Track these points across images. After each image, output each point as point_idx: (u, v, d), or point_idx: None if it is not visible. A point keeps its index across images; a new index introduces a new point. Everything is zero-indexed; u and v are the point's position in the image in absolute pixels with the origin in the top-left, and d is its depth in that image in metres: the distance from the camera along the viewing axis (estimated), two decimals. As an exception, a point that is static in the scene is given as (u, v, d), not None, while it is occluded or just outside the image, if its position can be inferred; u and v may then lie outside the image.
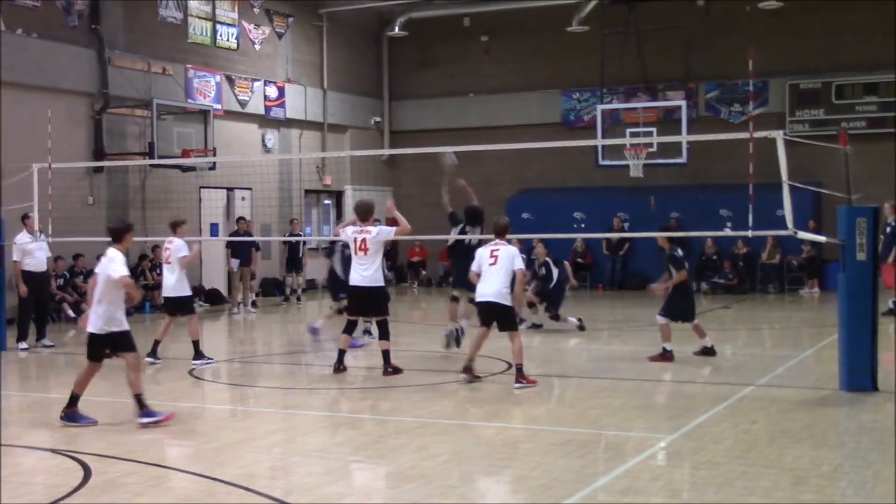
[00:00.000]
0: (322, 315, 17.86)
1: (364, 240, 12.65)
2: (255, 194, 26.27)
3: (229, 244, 23.30)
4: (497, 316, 12.02)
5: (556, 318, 17.31)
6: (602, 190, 28.13)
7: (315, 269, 27.31)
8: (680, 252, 14.14)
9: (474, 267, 12.21)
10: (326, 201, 30.52)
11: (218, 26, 25.87)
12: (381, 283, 12.94)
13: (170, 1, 24.26)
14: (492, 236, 12.60)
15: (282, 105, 27.67)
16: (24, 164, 16.83)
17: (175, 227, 14.53)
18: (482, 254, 12.21)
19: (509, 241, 12.65)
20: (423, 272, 30.55)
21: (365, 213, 12.91)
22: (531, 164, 29.15)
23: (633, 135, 25.16)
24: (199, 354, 14.22)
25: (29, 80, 20.51)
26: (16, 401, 11.91)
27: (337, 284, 15.72)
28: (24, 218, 16.31)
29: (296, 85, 28.35)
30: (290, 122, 28.16)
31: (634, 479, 7.73)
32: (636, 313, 20.96)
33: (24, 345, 16.01)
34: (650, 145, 23.95)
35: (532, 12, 29.11)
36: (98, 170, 21.97)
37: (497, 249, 12.05)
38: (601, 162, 26.32)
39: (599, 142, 25.30)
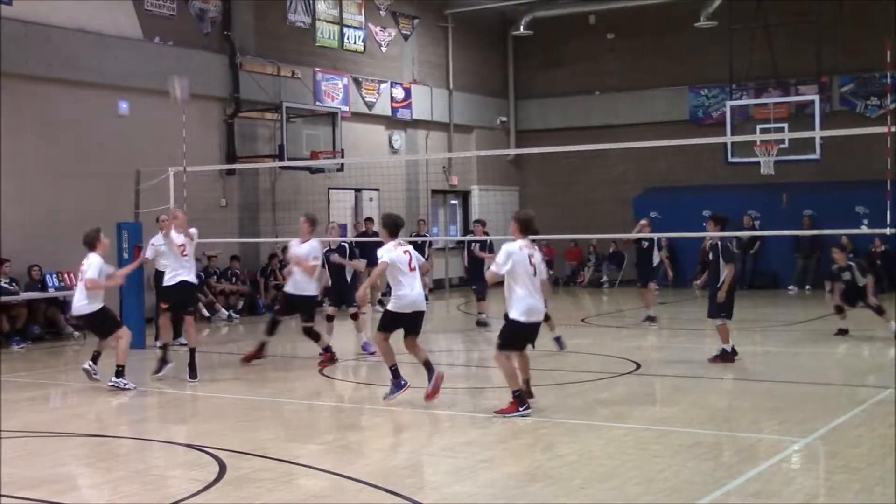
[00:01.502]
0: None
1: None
2: (382, 195, 26.54)
3: (357, 244, 23.52)
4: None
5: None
6: (731, 188, 27.59)
7: (441, 269, 27.47)
8: (733, 246, 13.87)
9: (501, 271, 10.17)
10: (453, 201, 30.67)
11: (345, 29, 26.24)
12: None
13: (298, 5, 24.72)
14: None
15: (408, 106, 27.91)
16: (161, 168, 17.35)
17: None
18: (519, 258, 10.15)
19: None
20: (550, 272, 30.39)
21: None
22: (657, 162, 28.79)
23: (764, 131, 24.58)
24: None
25: (165, 86, 21.06)
26: (153, 398, 12.26)
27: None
28: (159, 220, 16.81)
29: (422, 86, 28.56)
30: (416, 123, 28.38)
31: (767, 483, 7.57)
32: (767, 313, 20.52)
33: (161, 343, 16.46)
34: (781, 142, 23.37)
35: (658, 9, 28.72)
36: (230, 172, 22.51)
37: (533, 255, 10.22)
38: (730, 159, 25.80)
39: (729, 139, 24.78)
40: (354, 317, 15.44)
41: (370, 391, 13.04)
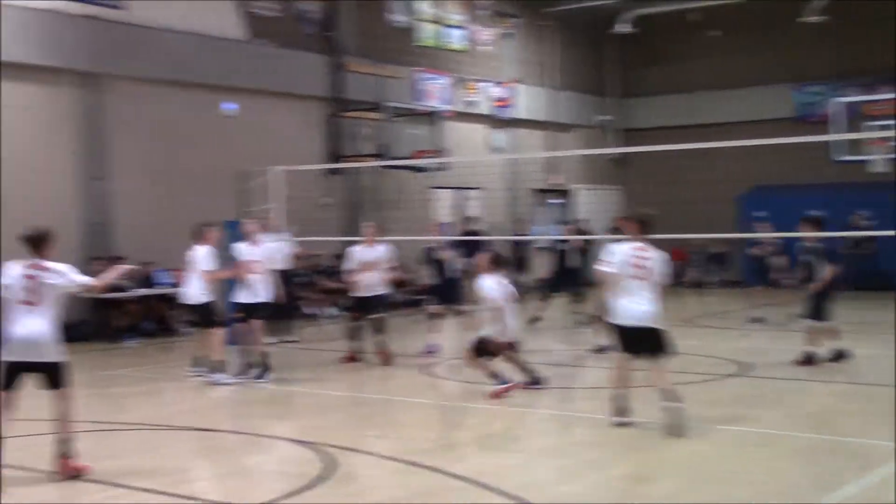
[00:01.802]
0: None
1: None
2: (483, 194, 26.55)
3: (458, 243, 23.59)
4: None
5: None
6: (838, 186, 26.94)
7: (543, 268, 27.36)
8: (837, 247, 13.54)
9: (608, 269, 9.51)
10: (554, 201, 30.54)
11: (446, 29, 26.32)
12: None
13: (400, 5, 24.88)
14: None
15: (509, 105, 27.88)
16: (266, 168, 17.62)
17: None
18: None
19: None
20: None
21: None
22: (763, 160, 28.23)
23: (874, 128, 23.98)
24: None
25: (269, 86, 21.45)
26: (263, 393, 12.45)
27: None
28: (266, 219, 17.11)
29: (523, 85, 28.51)
30: (517, 122, 28.34)
31: (879, 490, 7.38)
32: (880, 315, 20.00)
33: (269, 340, 16.73)
34: (893, 139, 22.77)
35: (763, 4, 28.16)
36: (334, 172, 22.74)
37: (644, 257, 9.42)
38: (837, 157, 25.24)
39: (836, 136, 24.24)
40: (459, 314, 15.43)
41: (474, 389, 13.05)
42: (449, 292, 15.51)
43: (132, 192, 18.97)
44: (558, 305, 19.27)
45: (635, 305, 9.33)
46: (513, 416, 10.77)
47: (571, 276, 18.67)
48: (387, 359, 14.30)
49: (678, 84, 30.57)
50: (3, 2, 17.08)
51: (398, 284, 23.50)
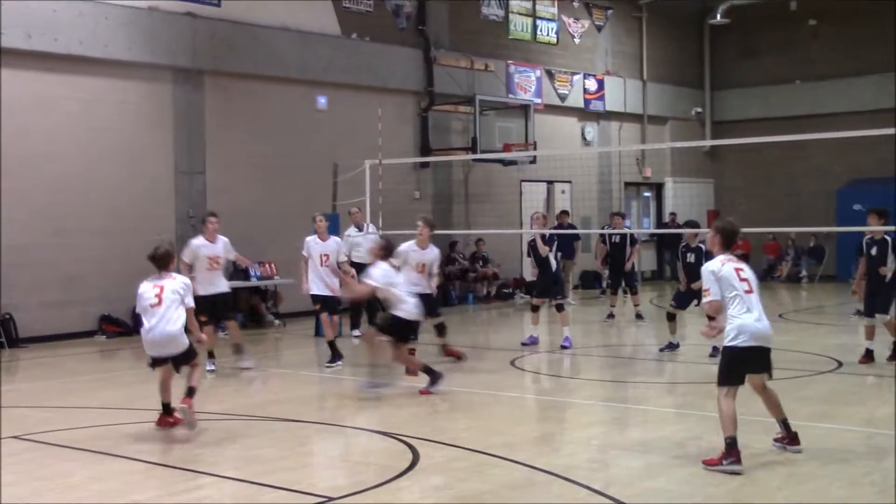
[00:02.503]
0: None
1: None
2: (574, 187, 26.41)
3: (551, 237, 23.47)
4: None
5: None
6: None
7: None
8: None
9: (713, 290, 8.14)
10: (646, 193, 30.27)
11: (538, 21, 26.24)
12: None
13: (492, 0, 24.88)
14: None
15: (601, 98, 27.68)
16: (357, 161, 17.76)
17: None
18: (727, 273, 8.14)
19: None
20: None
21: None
22: (863, 153, 27.57)
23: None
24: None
25: (362, 80, 21.63)
26: (349, 384, 12.57)
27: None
28: (351, 213, 17.29)
29: (615, 77, 28.28)
30: (609, 115, 28.13)
31: (981, 491, 7.16)
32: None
33: (357, 332, 16.89)
34: None
35: (862, -8, 27.56)
36: (424, 165, 22.85)
37: (742, 269, 8.24)
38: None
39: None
40: (559, 308, 15.38)
41: (562, 383, 13.02)
42: (549, 285, 15.45)
43: (227, 186, 19.29)
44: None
45: (753, 323, 8.11)
46: (599, 410, 10.71)
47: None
48: (458, 356, 13.94)
49: (774, 75, 30.00)
50: (105, 1, 17.50)
51: (492, 277, 23.60)
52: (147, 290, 9.42)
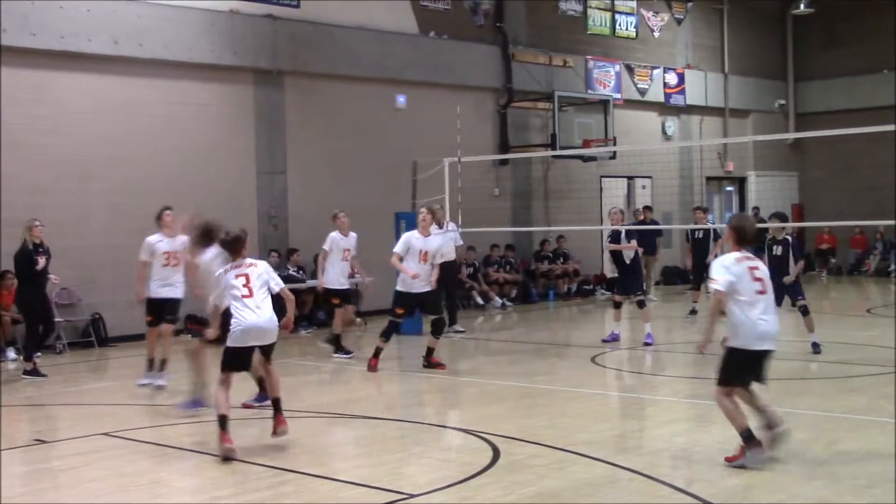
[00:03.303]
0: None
1: None
2: (655, 182, 26.18)
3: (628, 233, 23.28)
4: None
5: None
6: None
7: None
8: None
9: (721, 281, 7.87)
10: (728, 188, 29.88)
11: (617, 16, 26.06)
12: None
13: (570, -5, 24.80)
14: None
15: (681, 92, 27.40)
16: (436, 159, 17.82)
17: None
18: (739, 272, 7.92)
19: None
20: (833, 260, 29.11)
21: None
22: (952, 143, 26.92)
23: None
24: None
25: (440, 79, 21.69)
26: (429, 382, 12.62)
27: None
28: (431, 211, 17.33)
29: (696, 70, 27.96)
30: (690, 109, 27.82)
31: None
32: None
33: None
34: None
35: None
36: (503, 162, 22.83)
37: (757, 268, 8.04)
38: None
39: None
40: (640, 304, 15.26)
41: (643, 380, 12.92)
42: (629, 281, 15.36)
43: (308, 185, 19.50)
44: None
45: (762, 325, 7.91)
46: (684, 408, 10.62)
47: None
48: (440, 367, 13.11)
49: (861, 65, 29.35)
50: (187, 4, 17.80)
51: (573, 274, 23.49)
52: (231, 279, 8.82)
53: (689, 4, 27.92)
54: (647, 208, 23.46)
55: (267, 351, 8.99)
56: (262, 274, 8.89)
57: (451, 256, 17.34)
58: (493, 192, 22.64)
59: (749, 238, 8.15)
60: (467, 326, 17.81)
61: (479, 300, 21.35)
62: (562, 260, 23.47)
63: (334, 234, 14.75)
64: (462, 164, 17.01)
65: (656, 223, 23.08)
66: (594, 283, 24.08)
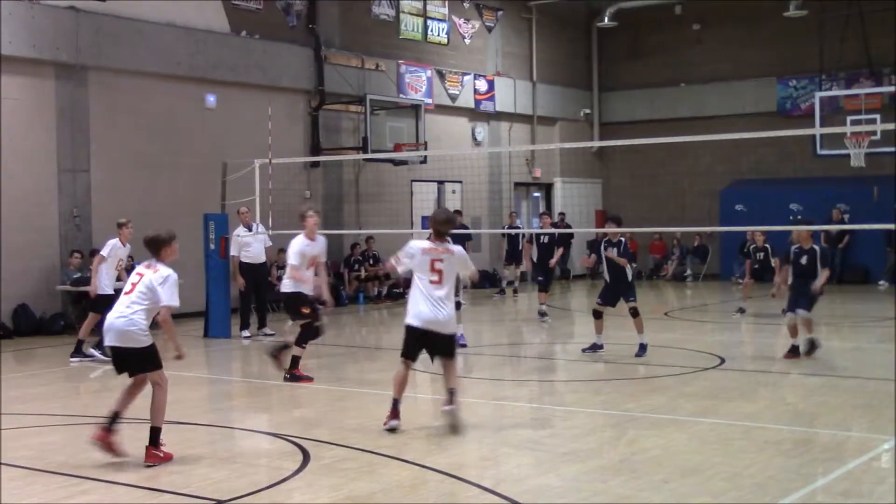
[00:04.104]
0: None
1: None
2: (465, 187, 26.56)
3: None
4: None
5: None
6: (820, 181, 27.07)
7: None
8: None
9: (400, 267, 9.53)
10: (536, 194, 30.60)
11: (429, 22, 26.32)
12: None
13: (383, -1, 24.90)
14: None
15: (491, 98, 27.89)
16: (247, 160, 17.58)
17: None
18: None
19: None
20: (634, 265, 30.06)
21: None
22: (745, 154, 28.38)
23: (855, 122, 24.08)
24: None
25: (251, 79, 21.43)
26: (238, 386, 12.44)
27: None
28: (240, 212, 17.11)
29: (505, 78, 28.52)
30: (499, 115, 28.35)
31: (857, 482, 7.42)
32: (857, 308, 20.11)
33: (246, 333, 16.74)
34: (873, 133, 22.87)
35: (746, -2, 28.31)
36: (315, 164, 22.74)
37: (442, 259, 9.53)
38: (819, 152, 25.35)
39: (818, 130, 24.36)
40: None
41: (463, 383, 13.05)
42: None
43: (113, 185, 18.95)
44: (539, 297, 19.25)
45: (425, 309, 9.21)
46: (490, 409, 10.78)
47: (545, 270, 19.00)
48: (280, 364, 12.60)
49: (662, 78, 30.63)
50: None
51: (383, 277, 23.57)
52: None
53: (500, 13, 28.46)
54: (458, 212, 23.69)
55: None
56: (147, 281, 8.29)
57: (261, 259, 17.17)
58: (304, 195, 22.51)
59: (444, 232, 9.43)
60: (277, 329, 17.63)
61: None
62: (371, 262, 23.50)
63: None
64: (273, 166, 16.85)
65: (466, 227, 23.39)
66: (404, 287, 24.19)
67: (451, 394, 9.31)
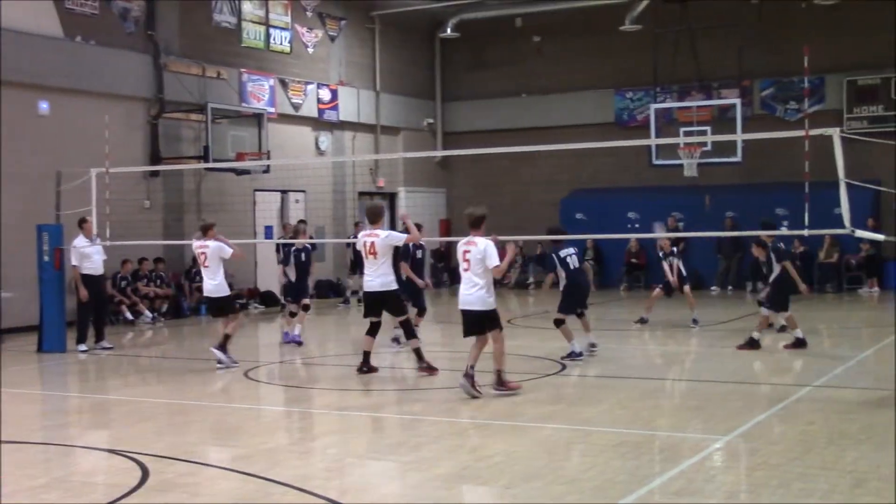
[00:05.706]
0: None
1: (373, 243, 12.77)
2: (308, 197, 26.42)
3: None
4: None
5: None
6: (656, 190, 27.95)
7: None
8: (782, 245, 15.15)
9: None
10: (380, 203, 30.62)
11: (271, 30, 26.08)
12: (393, 286, 13.21)
13: (224, 5, 24.52)
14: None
15: (335, 108, 27.82)
16: (83, 170, 17.09)
17: (206, 231, 14.71)
18: None
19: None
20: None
21: (374, 217, 13.05)
22: (585, 164, 29.05)
23: (687, 134, 24.94)
24: (223, 349, 14.18)
25: (87, 86, 20.83)
26: (74, 402, 12.08)
27: (290, 289, 17.15)
28: (82, 222, 16.56)
29: (349, 87, 28.49)
30: (343, 125, 28.30)
31: (690, 481, 7.67)
32: (689, 313, 20.75)
33: (83, 347, 16.24)
34: (704, 144, 23.74)
35: (584, 12, 28.98)
36: (154, 174, 22.25)
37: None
38: (655, 162, 26.15)
39: (653, 141, 25.13)
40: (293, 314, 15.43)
41: (296, 394, 12.97)
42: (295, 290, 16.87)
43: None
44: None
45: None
46: (334, 419, 10.74)
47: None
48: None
49: (502, 88, 31.10)
50: None
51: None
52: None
53: (343, 22, 28.42)
54: (302, 222, 23.51)
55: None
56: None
57: (100, 271, 16.72)
58: (143, 205, 22.01)
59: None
60: (116, 343, 17.18)
61: (129, 315, 20.67)
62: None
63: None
64: (110, 175, 16.44)
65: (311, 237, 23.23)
66: (248, 297, 23.93)
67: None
